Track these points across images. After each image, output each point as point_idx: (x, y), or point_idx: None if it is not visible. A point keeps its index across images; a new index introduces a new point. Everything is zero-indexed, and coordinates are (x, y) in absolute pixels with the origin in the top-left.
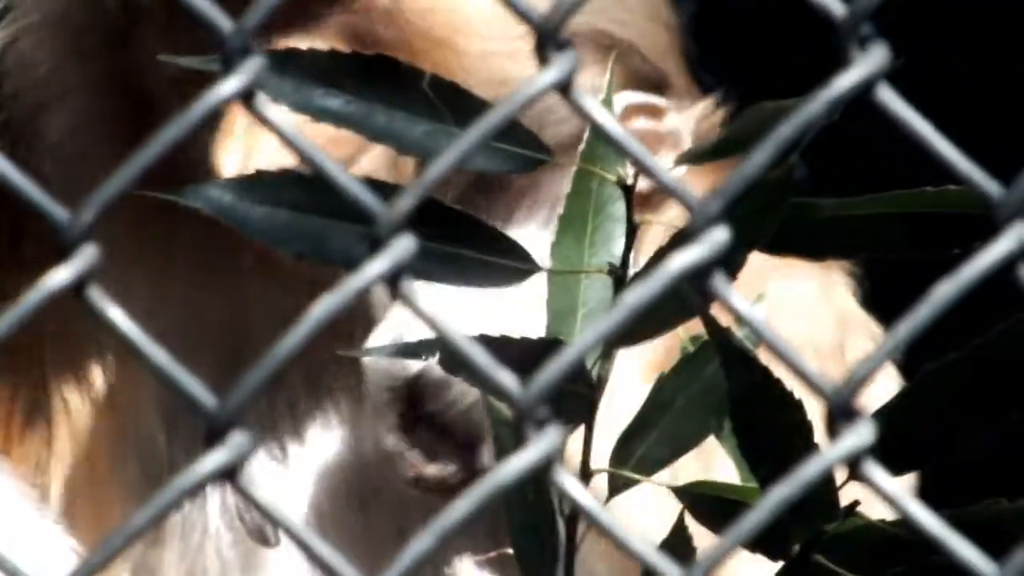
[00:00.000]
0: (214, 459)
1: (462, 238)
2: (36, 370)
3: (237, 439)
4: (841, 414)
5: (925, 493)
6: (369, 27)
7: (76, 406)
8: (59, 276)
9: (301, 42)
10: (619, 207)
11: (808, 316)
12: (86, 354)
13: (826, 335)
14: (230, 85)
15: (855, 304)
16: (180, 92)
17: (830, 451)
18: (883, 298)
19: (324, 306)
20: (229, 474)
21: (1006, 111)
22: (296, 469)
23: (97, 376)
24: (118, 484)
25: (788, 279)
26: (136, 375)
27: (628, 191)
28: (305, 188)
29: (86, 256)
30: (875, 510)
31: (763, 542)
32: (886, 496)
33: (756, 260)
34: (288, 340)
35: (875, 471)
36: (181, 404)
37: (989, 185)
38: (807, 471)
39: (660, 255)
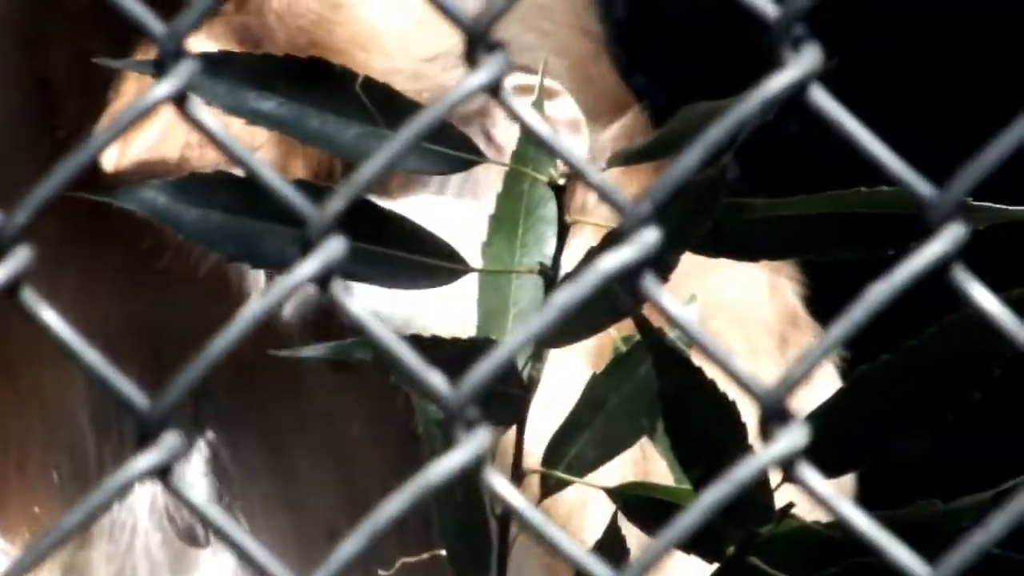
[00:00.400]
0: (146, 459)
1: (393, 239)
2: None
3: (169, 440)
4: (774, 416)
5: (863, 495)
6: (263, 31)
7: (5, 407)
8: None
9: (194, 39)
10: (550, 208)
11: (754, 314)
12: (15, 354)
13: (771, 334)
14: (163, 88)
15: (799, 303)
16: (91, 90)
17: (763, 453)
18: (824, 299)
19: (255, 307)
20: (161, 474)
21: (939, 108)
22: (224, 470)
23: (26, 377)
24: (48, 486)
25: (733, 277)
26: (66, 376)
27: (559, 192)
28: (238, 190)
29: (19, 258)
30: (813, 512)
31: (698, 543)
32: (819, 498)
33: (700, 257)
34: (219, 340)
35: (808, 473)
36: (110, 406)
37: (922, 186)
38: (741, 472)
39: (591, 256)
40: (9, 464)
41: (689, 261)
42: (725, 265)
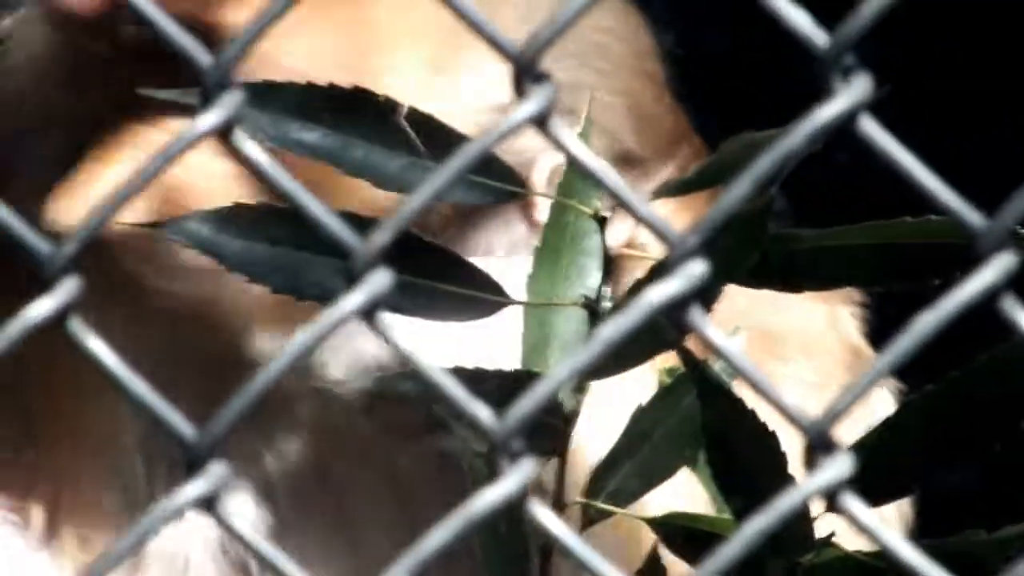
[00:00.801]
0: (193, 489)
1: (437, 272)
2: (20, 399)
3: (216, 470)
4: (819, 446)
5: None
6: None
7: (58, 436)
8: (41, 307)
9: None
10: (595, 240)
11: (818, 345)
12: (66, 385)
13: (837, 364)
14: (208, 120)
15: (859, 334)
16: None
17: (808, 483)
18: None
19: (300, 339)
20: (208, 504)
21: (992, 133)
22: (278, 505)
23: (77, 406)
24: (100, 514)
25: (792, 307)
26: (116, 406)
27: (603, 224)
28: (283, 222)
29: (68, 288)
30: (856, 542)
31: (739, 574)
32: (864, 528)
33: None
34: (265, 372)
35: (853, 503)
36: (160, 435)
37: (971, 216)
38: (784, 503)
39: (637, 288)
40: (60, 491)
41: (749, 293)
42: (784, 297)
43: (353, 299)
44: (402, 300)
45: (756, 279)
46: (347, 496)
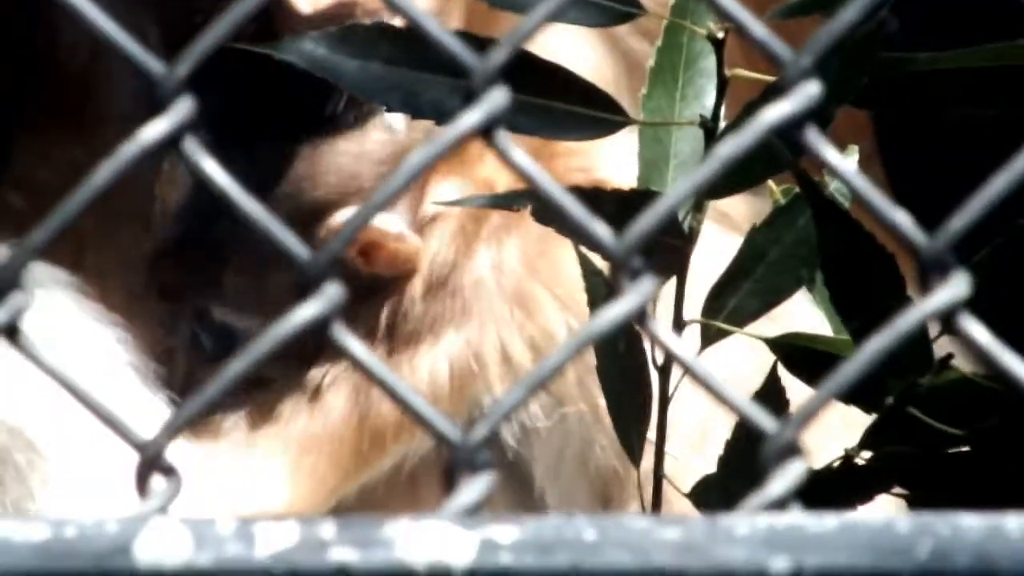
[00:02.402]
0: (307, 311)
1: (555, 90)
2: None
3: (331, 290)
4: (934, 267)
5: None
6: None
7: None
8: (155, 129)
9: None
10: (709, 61)
11: None
12: None
13: None
14: (472, 118)
15: None
16: None
17: (925, 303)
18: None
19: (419, 156)
20: (323, 324)
21: None
22: None
23: None
24: None
25: None
26: None
27: (718, 45)
28: (398, 41)
29: (182, 109)
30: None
31: (858, 394)
32: (980, 349)
33: None
34: (379, 193)
35: (970, 324)
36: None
37: None
38: (902, 323)
39: (750, 108)
40: None
41: None
42: None
43: (471, 117)
44: (519, 119)
45: (867, 102)
46: None
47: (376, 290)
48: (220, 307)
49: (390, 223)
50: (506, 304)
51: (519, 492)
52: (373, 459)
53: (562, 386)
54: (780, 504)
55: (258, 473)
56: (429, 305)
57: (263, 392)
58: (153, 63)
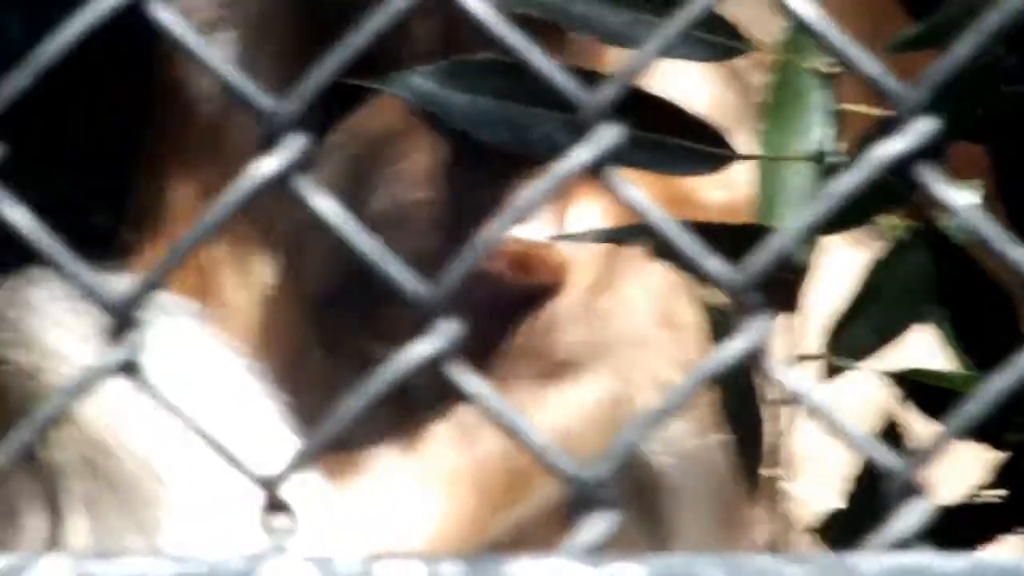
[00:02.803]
0: (422, 348)
1: (665, 125)
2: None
3: (445, 327)
4: None
5: None
6: None
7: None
8: (267, 166)
9: None
10: (821, 96)
11: None
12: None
13: None
14: (582, 154)
15: None
16: None
17: None
18: None
19: (529, 193)
20: (437, 362)
21: None
22: None
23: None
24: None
25: None
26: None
27: (829, 80)
28: (507, 75)
29: (293, 145)
30: None
31: (982, 432)
32: None
33: None
34: (493, 226)
35: None
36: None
37: None
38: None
39: (863, 144)
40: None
41: None
42: None
43: (582, 153)
44: (630, 153)
45: (983, 136)
46: None
47: (521, 305)
48: (383, 346)
49: (538, 232)
50: (655, 327)
51: (648, 528)
52: (522, 495)
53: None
54: (905, 543)
55: (404, 509)
56: (577, 328)
57: (407, 421)
58: (262, 98)
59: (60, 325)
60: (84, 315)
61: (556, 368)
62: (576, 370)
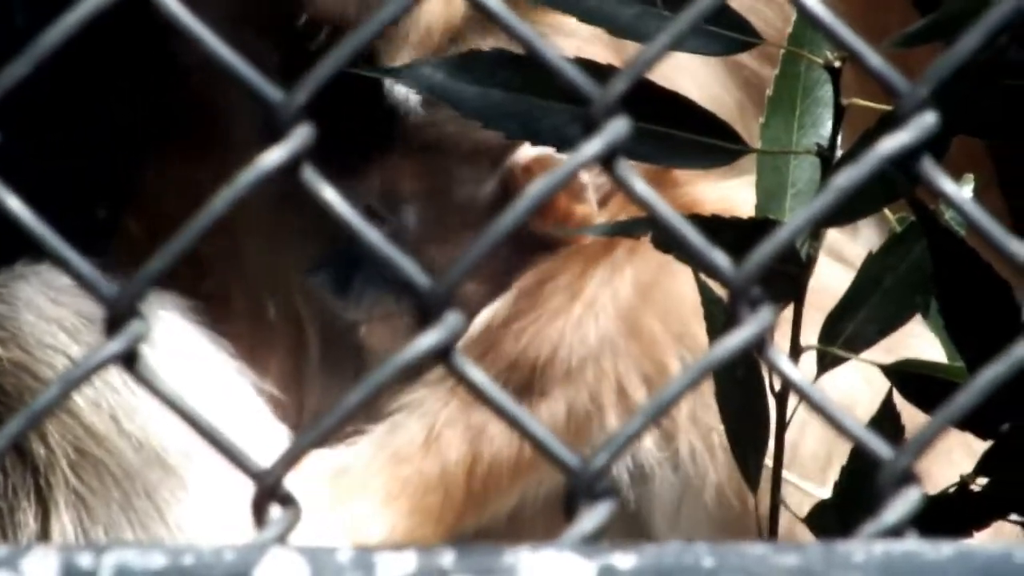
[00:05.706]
0: (429, 339)
1: (674, 119)
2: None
3: (451, 319)
4: None
5: None
6: None
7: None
8: (273, 156)
9: None
10: (826, 90)
11: None
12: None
13: None
14: (592, 147)
15: None
16: None
17: None
18: None
19: (539, 186)
20: (443, 353)
21: None
22: None
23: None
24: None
25: None
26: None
27: (835, 74)
28: (518, 69)
29: (300, 136)
30: None
31: (973, 422)
32: None
33: None
34: (503, 219)
35: None
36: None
37: None
38: (1018, 351)
39: (867, 138)
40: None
41: None
42: None
43: (592, 146)
44: (639, 147)
45: (986, 131)
46: None
47: (536, 248)
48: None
49: (582, 176)
50: (621, 335)
51: (633, 528)
52: (490, 500)
53: (675, 420)
54: (896, 531)
55: (369, 516)
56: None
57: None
58: (270, 90)
59: (50, 320)
60: (73, 309)
61: (524, 380)
62: (543, 382)
